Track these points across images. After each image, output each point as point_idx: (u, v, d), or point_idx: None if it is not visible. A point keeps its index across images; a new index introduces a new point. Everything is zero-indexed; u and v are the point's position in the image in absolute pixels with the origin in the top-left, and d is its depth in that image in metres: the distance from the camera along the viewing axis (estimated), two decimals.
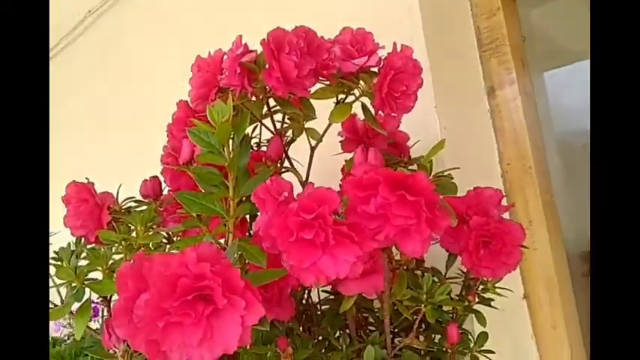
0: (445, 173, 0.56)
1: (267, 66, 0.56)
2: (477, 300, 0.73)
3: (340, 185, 0.62)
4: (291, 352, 0.57)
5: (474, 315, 0.74)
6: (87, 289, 0.62)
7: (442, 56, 1.08)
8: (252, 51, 0.58)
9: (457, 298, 0.74)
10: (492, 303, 0.76)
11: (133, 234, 0.62)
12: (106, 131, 1.77)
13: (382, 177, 0.43)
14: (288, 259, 0.44)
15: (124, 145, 1.66)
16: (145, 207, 0.77)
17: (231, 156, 0.58)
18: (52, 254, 0.74)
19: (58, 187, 0.86)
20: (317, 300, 0.79)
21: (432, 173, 0.58)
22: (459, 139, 1.07)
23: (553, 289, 1.10)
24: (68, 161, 1.85)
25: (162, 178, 0.81)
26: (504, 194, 1.12)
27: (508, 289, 0.78)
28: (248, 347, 0.57)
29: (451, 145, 1.04)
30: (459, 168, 0.58)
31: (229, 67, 0.57)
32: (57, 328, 1.56)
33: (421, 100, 1.01)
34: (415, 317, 0.67)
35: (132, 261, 0.45)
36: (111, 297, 0.64)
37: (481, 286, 0.75)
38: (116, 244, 0.61)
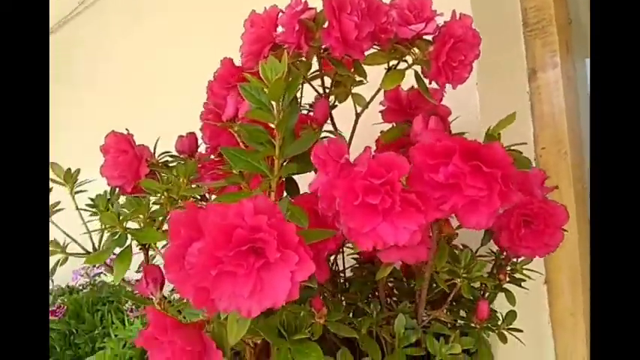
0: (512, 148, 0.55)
1: (326, 25, 0.55)
2: (507, 279, 0.73)
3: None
4: (326, 312, 0.57)
5: (503, 294, 0.74)
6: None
7: (487, 33, 1.04)
8: (311, 8, 0.57)
9: (487, 276, 0.73)
10: (514, 287, 0.76)
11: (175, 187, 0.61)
12: (142, 88, 1.77)
13: (458, 145, 0.42)
14: (348, 222, 0.43)
15: (159, 103, 1.66)
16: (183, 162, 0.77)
17: (280, 115, 0.57)
18: (87, 201, 0.75)
19: (94, 138, 0.86)
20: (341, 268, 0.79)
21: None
22: (495, 119, 1.05)
23: (575, 278, 1.10)
24: (105, 115, 1.85)
25: (198, 135, 0.81)
26: None
27: (535, 271, 0.78)
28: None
29: (487, 124, 1.03)
30: (525, 143, 0.57)
31: (287, 23, 0.56)
32: (74, 277, 1.59)
33: None
34: (447, 291, 0.67)
35: (182, 209, 0.45)
36: (149, 245, 0.64)
37: (511, 267, 0.75)
38: (157, 194, 0.61)
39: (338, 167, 0.46)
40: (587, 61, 1.35)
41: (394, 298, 0.77)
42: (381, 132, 0.75)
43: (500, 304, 0.77)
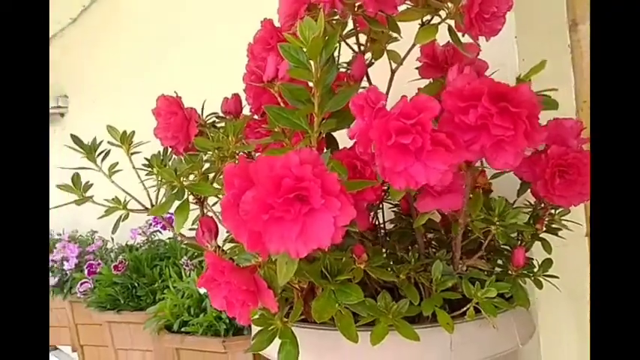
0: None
1: None
2: (544, 229, 0.75)
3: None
4: (366, 258, 0.61)
5: (540, 243, 0.76)
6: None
7: None
8: None
9: (525, 226, 0.76)
10: (555, 238, 0.78)
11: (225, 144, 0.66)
12: (190, 53, 1.82)
13: (487, 87, 0.45)
14: (383, 161, 0.47)
15: (207, 66, 1.71)
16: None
17: (319, 73, 0.60)
18: (143, 161, 0.82)
19: (143, 103, 0.92)
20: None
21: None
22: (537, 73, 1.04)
23: None
24: (154, 80, 1.93)
25: (242, 96, 0.85)
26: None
27: (576, 222, 0.80)
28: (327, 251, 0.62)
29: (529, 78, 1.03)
30: (556, 89, 0.58)
31: None
32: (133, 235, 1.69)
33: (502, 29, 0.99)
34: (481, 240, 0.70)
35: (236, 162, 0.49)
36: (204, 199, 0.70)
37: (549, 218, 0.77)
38: (209, 152, 0.66)
39: (374, 112, 0.49)
40: None
41: (432, 249, 0.81)
42: (418, 89, 0.77)
43: (539, 254, 0.79)
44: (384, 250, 0.76)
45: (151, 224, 1.59)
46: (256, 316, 0.60)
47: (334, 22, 0.68)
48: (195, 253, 1.44)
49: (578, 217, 1.12)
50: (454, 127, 0.47)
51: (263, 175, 0.45)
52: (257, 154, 0.79)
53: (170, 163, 0.77)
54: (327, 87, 0.63)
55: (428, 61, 0.78)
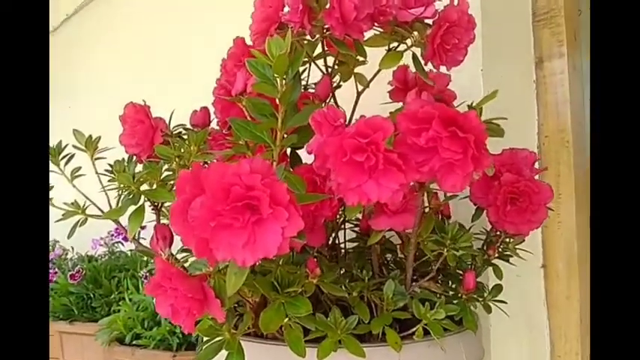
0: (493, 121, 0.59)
1: (328, 6, 0.59)
2: (496, 255, 0.77)
3: None
4: (319, 273, 0.61)
5: (491, 268, 0.77)
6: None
7: (495, 20, 1.07)
8: None
9: (478, 251, 0.78)
10: (510, 267, 0.80)
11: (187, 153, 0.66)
12: (162, 64, 1.83)
13: (438, 112, 0.47)
14: (337, 177, 0.48)
15: (179, 78, 1.71)
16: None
17: (283, 89, 0.62)
18: (107, 167, 0.81)
19: (113, 109, 0.92)
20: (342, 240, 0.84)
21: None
22: (500, 105, 1.08)
23: (572, 262, 1.13)
24: (124, 88, 1.92)
25: (211, 110, 0.86)
26: (538, 164, 1.14)
27: (528, 251, 0.82)
28: (280, 264, 0.62)
29: (493, 110, 1.06)
30: (505, 119, 0.61)
31: (292, 3, 0.60)
32: (94, 246, 1.66)
33: (469, 62, 1.02)
34: (434, 262, 0.71)
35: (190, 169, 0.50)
36: (161, 205, 0.70)
37: (502, 246, 0.79)
38: (170, 160, 0.66)
39: (332, 129, 0.50)
40: None
41: (389, 269, 0.82)
42: (390, 112, 0.79)
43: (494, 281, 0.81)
44: (340, 268, 0.76)
45: (113, 235, 1.57)
46: (204, 326, 0.59)
47: (305, 42, 0.70)
48: (155, 267, 1.42)
49: (535, 249, 1.15)
50: (407, 148, 0.48)
51: (213, 181, 0.46)
52: None
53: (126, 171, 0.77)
54: (292, 103, 0.64)
55: (399, 85, 0.80)
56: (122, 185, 0.65)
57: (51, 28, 2.49)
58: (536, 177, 0.74)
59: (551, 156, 1.14)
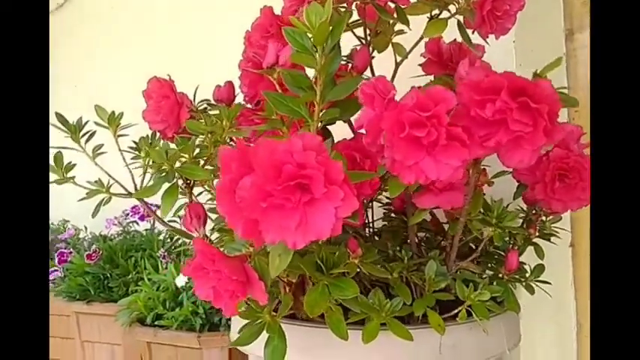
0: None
1: None
2: (537, 234, 0.74)
3: None
4: (361, 253, 0.59)
5: (533, 248, 0.75)
6: None
7: None
8: None
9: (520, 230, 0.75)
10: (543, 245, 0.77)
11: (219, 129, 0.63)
12: (181, 38, 1.78)
13: (506, 81, 0.43)
14: (393, 153, 0.45)
15: (197, 54, 1.67)
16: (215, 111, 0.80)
17: (323, 60, 0.58)
18: (131, 144, 0.78)
19: (132, 85, 0.89)
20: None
21: None
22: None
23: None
24: (145, 62, 1.88)
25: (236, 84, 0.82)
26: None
27: (564, 229, 0.79)
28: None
29: None
30: (565, 88, 0.57)
31: None
32: (107, 225, 1.64)
33: None
34: (478, 242, 0.69)
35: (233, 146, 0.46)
36: (193, 183, 0.67)
37: (540, 224, 0.76)
38: (202, 136, 0.63)
39: (385, 102, 0.47)
40: None
41: (423, 249, 0.79)
42: (419, 87, 0.76)
43: (527, 259, 0.78)
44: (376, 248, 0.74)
45: (128, 214, 1.54)
46: (243, 309, 0.57)
47: (342, 9, 0.66)
48: (174, 246, 1.40)
49: (563, 226, 1.12)
50: (469, 121, 0.45)
51: (263, 160, 0.43)
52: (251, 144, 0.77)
53: (158, 147, 0.74)
54: (331, 75, 0.61)
55: (432, 58, 0.76)
56: (153, 162, 0.61)
57: (55, 5, 2.43)
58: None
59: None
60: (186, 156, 0.61)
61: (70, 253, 1.45)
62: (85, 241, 1.60)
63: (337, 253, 0.59)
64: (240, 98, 0.82)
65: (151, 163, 0.64)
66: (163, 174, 0.60)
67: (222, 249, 0.62)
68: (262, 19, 0.76)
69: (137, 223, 1.56)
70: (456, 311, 0.64)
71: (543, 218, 0.76)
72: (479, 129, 0.45)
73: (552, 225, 0.77)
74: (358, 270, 0.60)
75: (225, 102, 0.83)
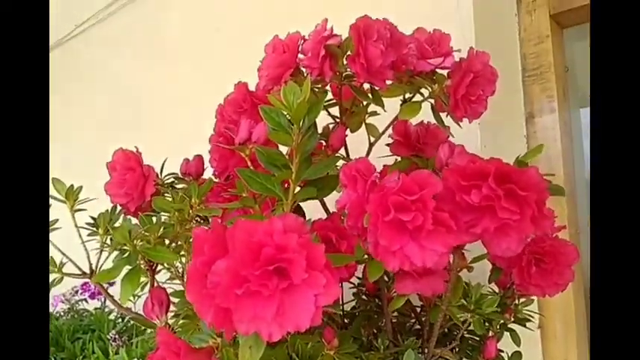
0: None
1: (352, 51, 0.56)
2: (512, 319, 0.72)
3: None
4: (337, 344, 0.55)
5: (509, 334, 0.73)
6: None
7: None
8: (337, 35, 0.58)
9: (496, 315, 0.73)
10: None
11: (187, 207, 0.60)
12: (143, 112, 1.76)
13: (493, 167, 0.42)
14: (378, 238, 0.42)
15: (164, 125, 1.65)
16: (186, 184, 0.77)
17: (299, 139, 0.57)
18: (89, 219, 0.73)
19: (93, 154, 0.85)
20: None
21: None
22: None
23: (569, 323, 1.09)
24: (105, 134, 1.83)
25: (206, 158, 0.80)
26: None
27: (536, 312, 0.78)
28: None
29: None
30: (553, 175, 0.58)
31: (312, 48, 0.57)
32: (54, 303, 1.52)
33: None
34: (446, 329, 0.66)
35: (203, 227, 0.43)
36: (156, 266, 0.62)
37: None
38: (167, 214, 0.59)
39: (368, 184, 0.45)
40: (581, 110, 1.40)
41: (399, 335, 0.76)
42: (384, 165, 0.76)
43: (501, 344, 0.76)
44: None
45: (77, 291, 1.44)
46: None
47: (317, 89, 0.66)
48: (124, 328, 1.30)
49: (531, 308, 1.11)
50: (454, 206, 0.43)
51: (240, 241, 0.40)
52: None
53: (118, 223, 0.69)
54: (307, 154, 0.59)
55: (400, 139, 0.77)
56: (111, 241, 0.57)
57: None
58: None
59: None
60: (152, 236, 0.57)
61: None
62: None
63: (312, 344, 0.55)
64: (208, 172, 0.80)
65: (109, 241, 0.60)
66: (125, 255, 0.56)
67: (185, 338, 0.57)
68: (236, 94, 0.76)
69: (86, 301, 1.45)
70: None
71: (516, 302, 0.75)
72: (464, 215, 0.44)
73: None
74: None
75: (193, 176, 0.81)
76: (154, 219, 0.60)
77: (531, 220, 0.43)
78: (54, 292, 1.51)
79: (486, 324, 0.73)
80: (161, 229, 0.59)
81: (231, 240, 0.40)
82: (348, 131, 0.75)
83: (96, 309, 1.40)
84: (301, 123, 0.57)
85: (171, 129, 1.58)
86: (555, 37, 1.16)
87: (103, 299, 1.42)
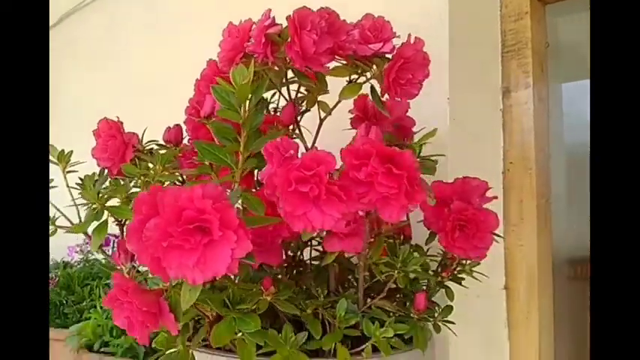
0: (432, 158, 0.63)
1: (289, 39, 0.63)
2: (449, 277, 0.80)
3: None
4: (273, 291, 0.65)
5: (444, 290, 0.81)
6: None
7: (464, 52, 1.12)
8: (278, 24, 0.65)
9: (433, 273, 0.81)
10: (472, 290, 0.83)
11: (152, 172, 0.70)
12: (139, 81, 1.86)
13: (376, 150, 0.50)
14: (284, 206, 0.51)
15: (154, 96, 1.75)
16: (164, 150, 0.86)
17: (246, 115, 0.65)
18: (77, 180, 0.84)
19: (87, 123, 0.95)
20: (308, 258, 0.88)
21: (421, 155, 0.65)
22: (466, 132, 1.13)
23: (532, 283, 1.17)
24: (101, 100, 1.95)
25: (184, 128, 0.89)
26: (502, 189, 1.19)
27: (482, 274, 0.86)
28: (237, 282, 0.66)
29: (458, 136, 1.11)
30: (443, 155, 0.65)
31: (256, 36, 0.64)
32: (70, 253, 1.67)
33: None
34: (388, 282, 0.75)
35: (148, 191, 0.53)
36: (125, 222, 0.72)
37: (459, 267, 0.82)
38: (136, 178, 0.69)
39: (281, 159, 0.54)
40: (564, 86, 1.42)
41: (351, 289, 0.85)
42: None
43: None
44: (300, 286, 0.80)
45: (87, 242, 1.58)
46: (160, 339, 0.62)
47: (273, 71, 0.73)
48: None
49: (498, 271, 1.19)
50: (349, 180, 0.52)
51: (167, 204, 0.49)
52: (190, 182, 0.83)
53: (106, 184, 0.80)
54: (254, 128, 0.68)
55: (359, 114, 0.84)
56: (88, 200, 0.67)
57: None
58: (487, 205, 0.78)
59: (515, 182, 1.19)
60: (119, 196, 0.67)
61: None
62: None
63: (252, 290, 0.65)
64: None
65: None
66: (94, 212, 0.66)
67: (147, 282, 0.67)
68: (208, 70, 0.84)
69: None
70: (363, 347, 0.69)
71: (464, 262, 0.83)
72: (357, 187, 0.52)
73: (479, 268, 0.83)
74: None
75: (173, 143, 0.90)
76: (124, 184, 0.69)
77: (405, 194, 0.51)
78: (69, 242, 1.66)
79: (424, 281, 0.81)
80: (131, 190, 0.69)
81: (161, 203, 0.50)
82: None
83: (104, 259, 1.55)
84: (247, 101, 0.65)
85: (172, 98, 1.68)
86: (535, 14, 1.19)
87: (109, 250, 1.55)
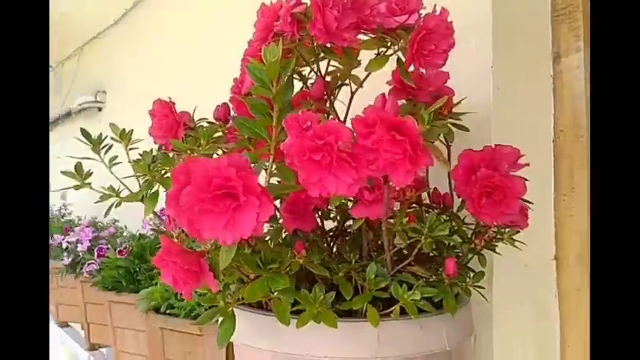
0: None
1: (312, 17, 0.67)
2: (482, 244, 0.82)
3: None
4: (305, 254, 0.70)
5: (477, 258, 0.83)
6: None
7: (509, 18, 1.10)
8: (303, 3, 0.69)
9: (465, 240, 0.83)
10: (521, 260, 0.84)
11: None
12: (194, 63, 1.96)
13: (380, 119, 0.54)
14: (301, 173, 0.56)
15: (208, 74, 1.84)
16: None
17: (276, 91, 0.70)
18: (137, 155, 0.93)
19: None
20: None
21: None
22: (512, 100, 1.11)
23: (583, 255, 1.15)
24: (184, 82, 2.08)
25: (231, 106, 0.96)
26: (552, 158, 1.16)
27: (523, 242, 0.86)
28: (272, 246, 0.71)
29: (502, 105, 1.09)
30: (460, 119, 0.67)
31: (283, 15, 0.68)
32: (144, 225, 1.82)
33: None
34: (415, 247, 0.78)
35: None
36: None
37: (498, 235, 0.83)
38: (183, 152, 0.76)
39: (299, 131, 0.58)
40: None
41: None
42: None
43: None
44: (335, 251, 0.85)
45: (159, 215, 1.72)
46: (204, 296, 0.69)
47: (304, 48, 0.77)
48: None
49: (547, 242, 1.18)
50: (359, 148, 0.56)
51: (197, 173, 0.55)
52: None
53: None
54: (285, 103, 0.73)
55: (397, 85, 0.86)
56: (141, 173, 0.76)
57: (112, 21, 2.69)
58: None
59: (566, 150, 1.16)
60: (168, 168, 0.74)
61: (108, 248, 1.64)
62: (120, 239, 1.79)
63: (283, 252, 0.70)
64: None
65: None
66: (147, 183, 0.74)
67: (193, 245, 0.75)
68: (249, 49, 0.89)
69: None
70: (392, 308, 0.73)
71: (502, 230, 0.84)
72: (368, 154, 0.55)
73: (529, 238, 0.84)
74: None
75: (222, 120, 0.97)
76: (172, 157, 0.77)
77: (409, 159, 0.54)
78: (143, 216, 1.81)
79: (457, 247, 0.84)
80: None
81: (193, 172, 0.56)
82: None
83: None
84: (277, 78, 0.70)
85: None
86: None
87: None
